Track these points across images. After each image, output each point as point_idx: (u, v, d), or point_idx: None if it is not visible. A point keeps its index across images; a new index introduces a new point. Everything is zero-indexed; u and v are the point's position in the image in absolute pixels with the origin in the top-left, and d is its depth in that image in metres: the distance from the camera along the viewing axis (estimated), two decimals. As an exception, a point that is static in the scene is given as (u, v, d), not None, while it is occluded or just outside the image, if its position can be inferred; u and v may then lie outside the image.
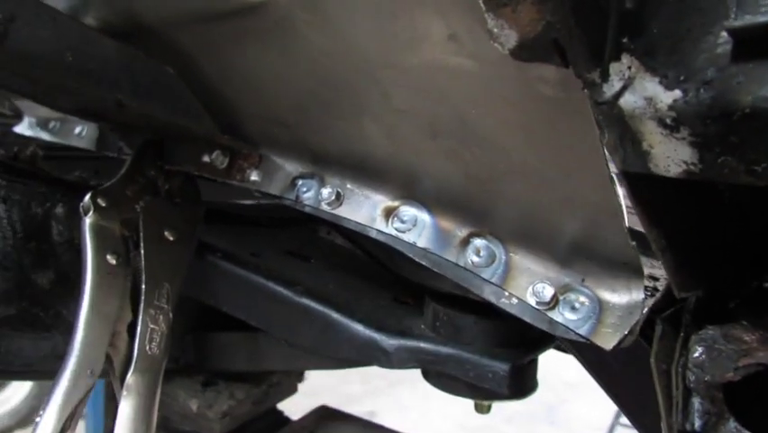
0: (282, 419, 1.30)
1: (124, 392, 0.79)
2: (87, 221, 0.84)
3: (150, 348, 0.83)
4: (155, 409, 0.81)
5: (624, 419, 4.99)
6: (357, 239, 1.10)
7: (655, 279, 0.70)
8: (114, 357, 0.81)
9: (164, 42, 0.75)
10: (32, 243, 1.01)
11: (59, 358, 1.05)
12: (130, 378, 0.80)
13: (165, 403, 1.22)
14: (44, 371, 1.07)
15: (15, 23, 0.66)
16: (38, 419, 0.72)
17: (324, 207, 0.79)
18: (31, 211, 1.00)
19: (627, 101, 0.44)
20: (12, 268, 1.00)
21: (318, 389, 1.47)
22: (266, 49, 0.66)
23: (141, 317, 0.84)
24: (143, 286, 0.86)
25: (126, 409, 0.79)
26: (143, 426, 0.79)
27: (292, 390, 1.32)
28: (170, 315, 0.87)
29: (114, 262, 0.84)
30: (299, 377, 1.34)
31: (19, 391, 4.41)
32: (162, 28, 0.74)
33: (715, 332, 0.60)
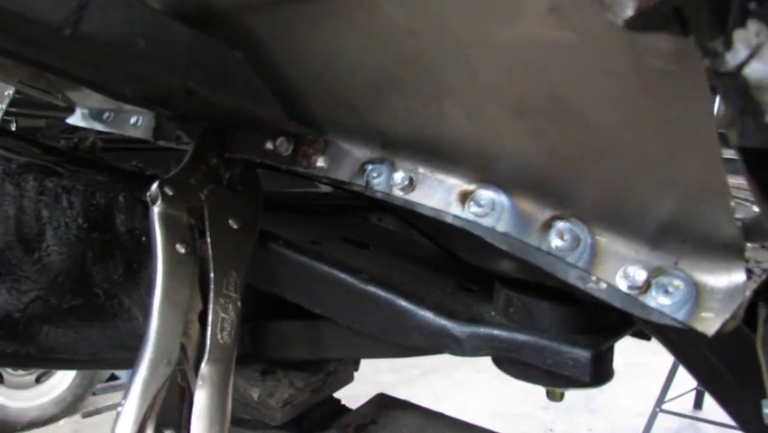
0: (341, 408, 1.29)
1: (199, 382, 0.80)
2: (156, 210, 0.84)
3: (221, 337, 0.83)
4: (229, 398, 0.82)
5: (666, 406, 4.91)
6: (419, 225, 1.09)
7: (758, 261, 0.67)
8: (187, 346, 0.81)
9: (234, 27, 0.74)
10: (96, 233, 1.02)
11: (123, 347, 1.07)
12: (204, 367, 0.80)
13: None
14: (109, 359, 1.09)
15: (89, 9, 0.65)
16: (119, 409, 0.72)
17: (397, 192, 0.78)
18: (94, 201, 1.01)
19: (754, 70, 0.42)
20: (77, 258, 1.01)
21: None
22: (344, 31, 0.64)
23: (211, 306, 0.84)
24: (212, 275, 0.86)
25: (202, 398, 0.79)
26: (219, 414, 0.79)
27: (349, 378, 1.32)
28: (239, 303, 0.87)
29: (183, 250, 0.84)
30: (356, 366, 1.34)
31: (64, 379, 4.54)
32: (233, 12, 0.73)
33: (823, 315, 0.57)
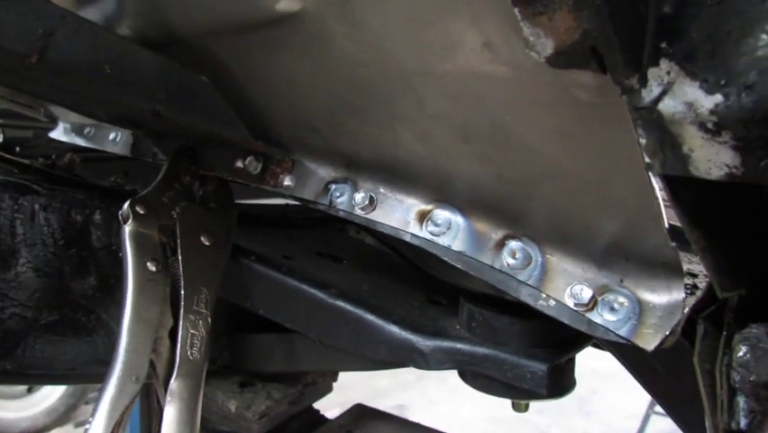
0: (319, 418, 1.31)
1: (168, 398, 0.81)
2: (127, 229, 0.86)
3: (191, 353, 0.85)
4: (198, 414, 0.83)
5: (659, 408, 4.93)
6: (388, 240, 1.11)
7: (694, 275, 0.69)
8: (157, 363, 0.83)
9: (199, 52, 0.77)
10: (73, 249, 1.04)
11: (101, 362, 1.08)
12: (173, 383, 0.82)
13: (203, 404, 1.25)
14: (86, 374, 1.10)
15: (55, 37, 0.68)
16: (87, 426, 0.74)
17: (358, 211, 0.80)
18: (71, 218, 1.03)
19: (667, 106, 0.44)
20: (53, 275, 1.03)
21: (347, 383, 1.49)
22: (299, 58, 0.67)
23: (181, 323, 0.86)
24: (182, 292, 0.88)
25: (171, 413, 0.81)
26: (188, 429, 0.81)
27: (327, 389, 1.34)
28: (209, 320, 0.89)
29: (153, 268, 0.86)
30: (334, 376, 1.36)
31: (56, 389, 4.54)
32: (197, 38, 0.75)
33: (759, 330, 0.59)
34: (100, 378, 1.11)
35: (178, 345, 0.84)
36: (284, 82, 0.74)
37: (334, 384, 1.38)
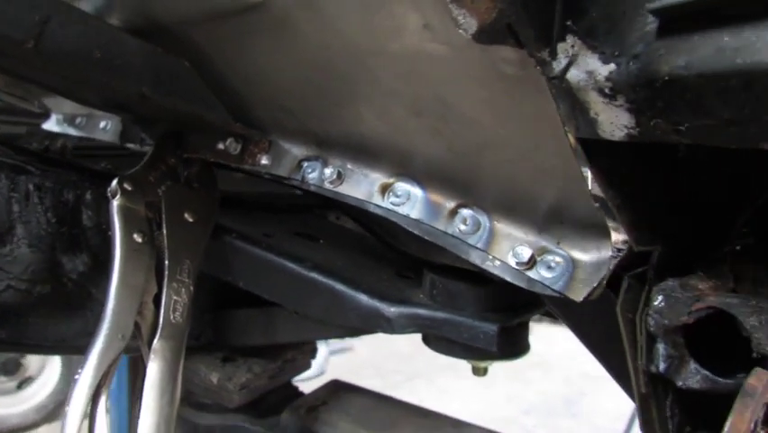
0: (297, 393, 1.38)
1: (152, 356, 0.88)
2: (115, 203, 0.94)
3: (174, 317, 0.92)
4: (179, 373, 0.90)
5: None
6: (363, 221, 1.19)
7: (627, 242, 0.77)
8: (141, 325, 0.90)
9: (180, 39, 0.84)
10: (65, 227, 1.11)
11: (91, 335, 1.15)
12: (156, 343, 0.89)
13: (187, 378, 1.32)
14: (76, 346, 1.17)
15: (50, 24, 0.75)
16: (76, 376, 0.81)
17: (327, 185, 0.88)
18: (63, 198, 1.10)
19: (573, 75, 0.52)
20: (46, 251, 1.10)
21: None
22: (268, 43, 0.74)
23: (165, 290, 0.93)
24: (167, 262, 0.95)
25: (154, 371, 0.88)
26: (170, 386, 0.88)
27: (305, 366, 1.41)
28: (191, 288, 0.96)
29: (139, 240, 0.94)
30: (312, 354, 1.43)
31: (45, 386, 4.58)
32: (178, 27, 0.83)
33: (674, 282, 0.67)
34: (89, 350, 1.18)
35: (162, 309, 0.91)
36: (257, 66, 0.82)
37: (323, 383, 1.44)
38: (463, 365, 1.06)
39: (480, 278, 0.92)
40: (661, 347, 0.68)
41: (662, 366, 0.68)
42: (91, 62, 0.80)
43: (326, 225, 1.40)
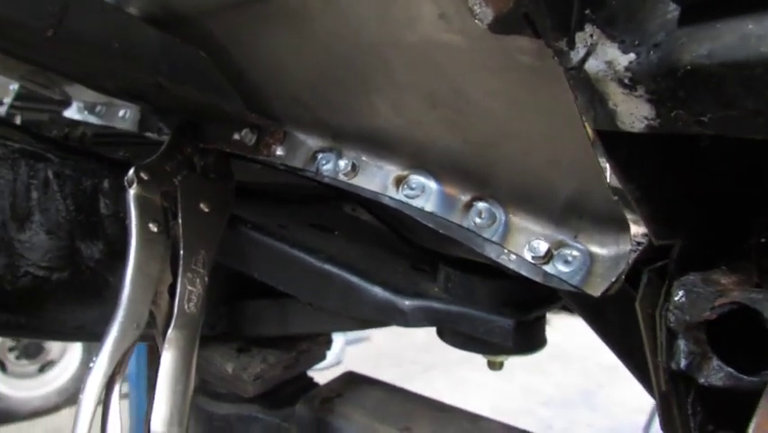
0: (312, 384, 1.39)
1: (166, 345, 0.89)
2: (132, 192, 0.94)
3: (188, 307, 0.93)
4: (193, 362, 0.91)
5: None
6: (378, 213, 1.18)
7: (647, 235, 0.75)
8: (156, 314, 0.90)
9: (197, 29, 0.84)
10: (82, 215, 1.12)
11: (108, 322, 1.16)
12: (171, 333, 0.90)
13: (203, 367, 1.33)
14: (94, 333, 1.18)
15: (69, 13, 0.75)
16: (91, 364, 0.82)
17: (342, 177, 0.87)
18: (81, 186, 1.10)
19: (591, 65, 0.51)
20: (64, 238, 1.11)
21: None
22: (284, 33, 0.74)
23: (180, 279, 0.93)
24: (182, 252, 0.95)
25: (168, 360, 0.88)
26: (183, 375, 0.88)
27: (320, 357, 1.41)
28: (206, 278, 0.97)
29: (155, 229, 0.94)
30: (327, 345, 1.43)
31: (67, 369, 4.67)
32: (195, 16, 0.82)
33: (695, 277, 0.65)
34: (107, 337, 1.19)
35: (176, 299, 0.91)
36: (273, 57, 0.81)
37: (339, 374, 1.44)
38: (480, 357, 1.05)
39: (495, 271, 0.91)
40: (682, 344, 0.67)
41: (683, 363, 0.66)
42: (109, 51, 0.81)
43: (341, 216, 1.40)
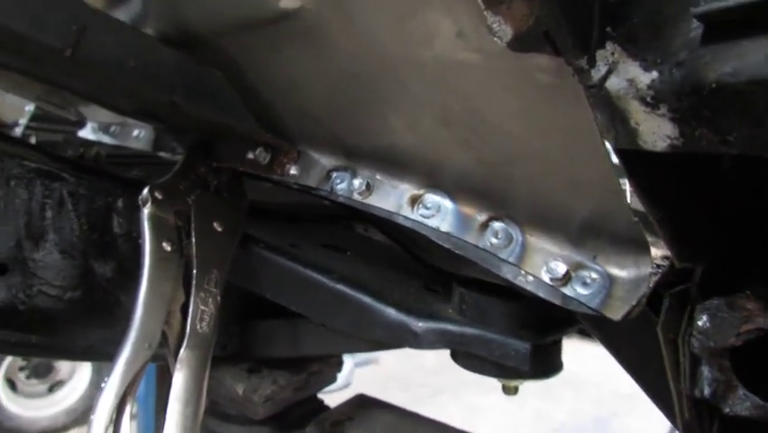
0: (322, 407, 1.37)
1: (178, 366, 0.88)
2: (146, 211, 0.94)
3: (200, 327, 0.92)
4: (205, 383, 0.90)
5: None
6: (391, 233, 1.17)
7: (668, 258, 0.74)
8: (169, 334, 0.89)
9: (212, 49, 0.84)
10: (96, 234, 1.12)
11: (118, 342, 1.16)
12: (183, 353, 0.89)
13: (213, 388, 1.31)
14: (104, 353, 1.18)
15: (86, 34, 0.76)
16: (103, 384, 0.81)
17: (356, 196, 0.87)
18: (95, 205, 1.11)
19: (613, 83, 0.50)
20: (77, 257, 1.11)
21: None
22: (299, 52, 0.74)
23: (192, 299, 0.93)
24: (194, 271, 0.95)
25: (179, 380, 0.87)
26: (194, 396, 0.87)
27: (331, 379, 1.39)
28: (218, 298, 0.96)
29: (168, 248, 0.94)
30: (338, 367, 1.41)
31: (76, 390, 4.66)
32: (210, 37, 0.83)
33: (719, 302, 0.64)
34: (117, 357, 1.18)
35: (189, 319, 0.91)
36: (288, 76, 0.81)
37: (348, 397, 1.43)
38: (491, 381, 1.03)
39: (511, 293, 0.90)
40: (705, 371, 0.65)
41: (707, 391, 0.64)
42: (125, 71, 0.81)
43: (353, 236, 1.39)
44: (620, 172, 0.62)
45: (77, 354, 1.18)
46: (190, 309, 0.92)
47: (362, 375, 5.64)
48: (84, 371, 4.69)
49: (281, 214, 1.34)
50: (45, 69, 0.91)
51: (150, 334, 0.86)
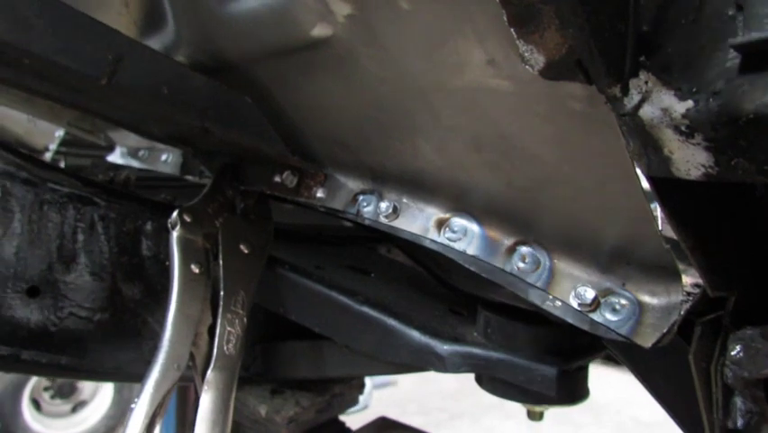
0: (344, 429, 1.36)
1: (205, 387, 0.89)
2: (175, 234, 0.95)
3: (227, 348, 0.93)
4: (231, 404, 0.90)
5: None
6: (415, 255, 1.18)
7: (699, 285, 0.73)
8: (196, 355, 0.90)
9: (243, 75, 0.86)
10: (125, 256, 1.14)
11: (146, 363, 1.17)
12: (210, 374, 0.89)
13: (236, 409, 1.31)
14: (131, 374, 1.19)
15: (123, 63, 0.78)
16: (132, 405, 0.82)
17: (383, 219, 0.87)
18: (124, 228, 1.13)
19: (646, 112, 0.50)
20: (107, 279, 1.13)
21: None
22: (330, 79, 0.75)
23: (219, 321, 0.94)
24: (222, 293, 0.96)
25: (207, 402, 0.88)
26: (221, 417, 0.88)
27: (353, 401, 1.39)
28: (245, 320, 0.97)
29: (197, 270, 0.95)
30: (360, 389, 1.41)
31: (98, 410, 4.69)
32: (242, 64, 0.85)
33: (753, 332, 0.63)
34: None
35: (216, 340, 0.91)
36: (317, 101, 0.83)
37: (366, 420, 1.42)
38: (511, 406, 1.01)
39: (536, 317, 0.89)
40: (739, 401, 0.64)
41: (740, 422, 0.64)
42: (159, 98, 0.83)
43: (377, 257, 1.40)
44: (650, 198, 0.62)
45: (104, 375, 1.19)
46: (217, 331, 0.93)
47: (381, 397, 5.59)
48: (106, 391, 4.71)
49: (304, 235, 1.35)
50: (80, 96, 0.93)
51: (178, 355, 0.87)
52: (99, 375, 1.17)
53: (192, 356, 0.89)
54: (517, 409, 1.01)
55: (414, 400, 6.06)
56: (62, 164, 2.11)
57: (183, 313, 0.90)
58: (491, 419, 5.95)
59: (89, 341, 1.11)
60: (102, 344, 1.13)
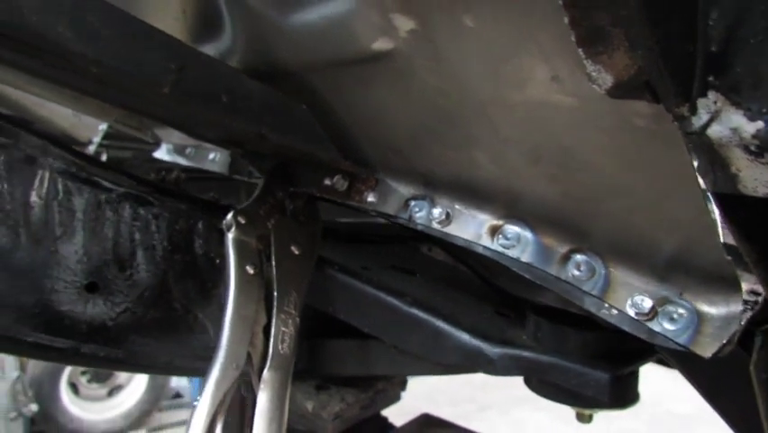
0: (387, 425, 1.39)
1: (262, 386, 0.92)
2: (230, 236, 0.98)
3: (282, 348, 0.96)
4: (286, 402, 0.93)
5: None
6: (459, 254, 1.19)
7: (757, 294, 0.73)
8: (253, 355, 0.93)
9: (299, 83, 0.88)
10: (178, 254, 1.17)
11: (196, 357, 1.21)
12: (266, 374, 0.92)
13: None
14: (183, 368, 1.23)
15: (185, 72, 0.81)
16: (195, 404, 0.85)
17: (435, 225, 0.89)
18: (177, 226, 1.16)
19: (714, 131, 0.51)
20: (161, 276, 1.17)
21: (409, 411, 1.56)
22: (387, 89, 0.77)
23: (274, 321, 0.96)
24: (275, 293, 0.99)
25: (264, 400, 0.91)
26: (278, 415, 0.91)
27: (396, 397, 1.41)
28: (297, 319, 0.99)
29: (252, 272, 0.98)
30: (403, 386, 1.43)
31: (133, 394, 4.83)
32: (299, 71, 0.87)
33: (814, 343, 0.63)
34: (195, 372, 1.24)
35: (271, 341, 0.94)
36: (372, 110, 0.84)
37: (396, 412, 1.44)
38: (540, 398, 1.01)
39: (586, 322, 0.90)
40: (799, 412, 0.64)
41: (800, 433, 0.64)
42: (217, 105, 0.86)
43: (419, 257, 1.41)
44: (711, 209, 0.62)
45: (157, 369, 1.23)
46: (272, 331, 0.96)
47: (410, 388, 5.63)
48: (141, 376, 4.85)
49: (348, 235, 1.37)
50: (137, 100, 0.96)
51: (237, 354, 0.90)
52: (153, 369, 1.22)
53: (249, 356, 0.92)
54: (547, 402, 1.02)
55: (443, 392, 6.09)
56: (104, 157, 2.16)
57: (240, 314, 0.93)
58: (521, 411, 5.94)
59: (144, 336, 1.15)
60: (155, 339, 1.17)
